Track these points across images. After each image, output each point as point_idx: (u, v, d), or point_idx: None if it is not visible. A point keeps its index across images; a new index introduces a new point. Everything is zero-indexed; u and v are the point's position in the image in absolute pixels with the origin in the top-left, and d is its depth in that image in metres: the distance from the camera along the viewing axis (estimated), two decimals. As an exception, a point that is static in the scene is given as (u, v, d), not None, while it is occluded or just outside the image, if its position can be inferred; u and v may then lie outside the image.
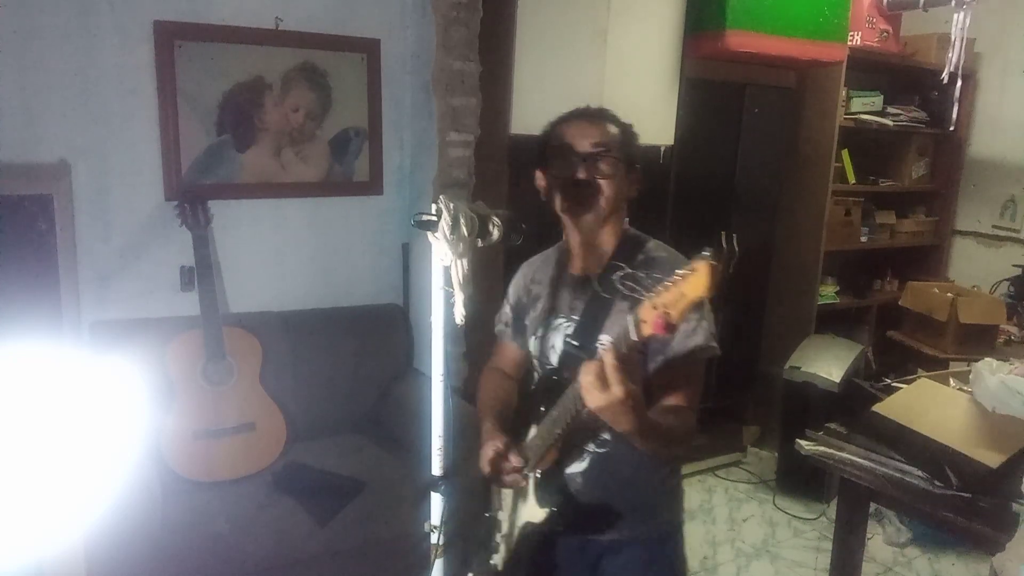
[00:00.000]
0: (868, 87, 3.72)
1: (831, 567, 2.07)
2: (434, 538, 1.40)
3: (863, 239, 3.91)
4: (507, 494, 1.51)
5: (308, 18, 2.50)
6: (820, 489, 3.19)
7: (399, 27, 2.66)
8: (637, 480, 1.42)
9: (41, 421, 1.46)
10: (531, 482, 1.42)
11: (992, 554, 1.50)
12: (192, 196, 2.30)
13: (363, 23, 2.60)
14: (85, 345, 2.25)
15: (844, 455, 1.82)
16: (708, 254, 0.95)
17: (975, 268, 4.09)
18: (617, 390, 1.07)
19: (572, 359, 1.37)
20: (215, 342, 2.27)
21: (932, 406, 1.92)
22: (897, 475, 1.72)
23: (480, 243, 1.26)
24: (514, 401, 1.56)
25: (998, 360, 2.09)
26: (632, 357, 1.11)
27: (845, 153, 3.73)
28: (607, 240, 1.43)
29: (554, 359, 1.44)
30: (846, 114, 3.55)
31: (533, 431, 1.41)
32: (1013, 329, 3.50)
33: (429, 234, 1.24)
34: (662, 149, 2.85)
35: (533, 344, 1.50)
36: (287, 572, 2.03)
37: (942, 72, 3.21)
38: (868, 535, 2.38)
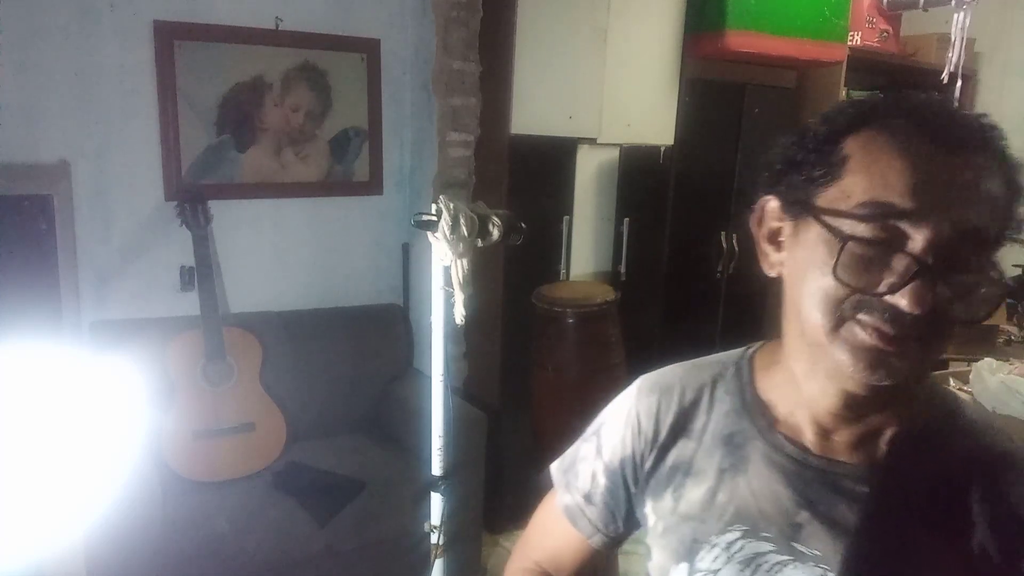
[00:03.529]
0: (868, 87, 3.71)
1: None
2: (434, 538, 1.40)
3: (863, 239, 3.90)
4: None
5: (308, 18, 2.50)
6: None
7: (399, 27, 2.66)
8: None
9: (41, 421, 1.46)
10: None
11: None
12: (192, 196, 2.30)
13: (363, 23, 2.60)
14: (85, 345, 2.25)
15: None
16: None
17: (975, 268, 4.09)
18: None
19: None
20: (215, 342, 2.27)
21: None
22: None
23: (480, 243, 1.27)
24: None
25: (998, 360, 2.09)
26: None
27: (845, 153, 3.73)
28: (900, 399, 0.69)
29: None
30: (846, 114, 3.55)
31: None
32: (1013, 329, 3.49)
33: (429, 234, 1.24)
34: (662, 149, 2.85)
35: None
36: (287, 572, 2.03)
37: (942, 72, 3.21)
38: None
